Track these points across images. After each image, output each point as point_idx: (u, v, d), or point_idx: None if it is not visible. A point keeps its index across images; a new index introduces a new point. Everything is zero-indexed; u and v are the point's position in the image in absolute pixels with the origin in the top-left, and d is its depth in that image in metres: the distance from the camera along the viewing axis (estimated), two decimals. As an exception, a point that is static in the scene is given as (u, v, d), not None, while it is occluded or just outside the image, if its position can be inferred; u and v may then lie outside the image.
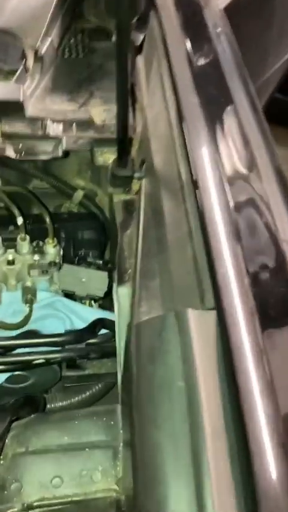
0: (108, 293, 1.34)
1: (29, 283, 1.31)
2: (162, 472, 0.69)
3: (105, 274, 1.29)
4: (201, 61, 1.13)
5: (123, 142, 1.13)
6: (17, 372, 1.24)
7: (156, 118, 1.20)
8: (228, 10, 1.42)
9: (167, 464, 0.69)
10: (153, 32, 1.27)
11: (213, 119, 0.97)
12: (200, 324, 0.77)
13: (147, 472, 0.71)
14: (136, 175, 1.17)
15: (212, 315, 0.77)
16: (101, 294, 1.30)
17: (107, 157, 1.29)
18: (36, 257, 1.32)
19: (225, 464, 0.67)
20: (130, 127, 1.24)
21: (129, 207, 1.21)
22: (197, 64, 1.11)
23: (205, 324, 0.78)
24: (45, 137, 1.26)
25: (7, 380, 1.24)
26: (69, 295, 1.35)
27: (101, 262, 1.39)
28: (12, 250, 1.32)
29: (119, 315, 1.12)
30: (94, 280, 1.28)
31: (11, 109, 1.23)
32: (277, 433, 0.65)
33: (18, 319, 1.26)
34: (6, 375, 1.21)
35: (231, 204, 0.84)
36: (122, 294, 1.11)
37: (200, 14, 1.28)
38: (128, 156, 1.16)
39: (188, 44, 1.15)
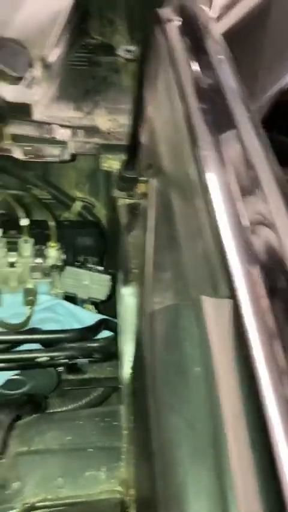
0: (109, 298, 1.34)
1: (30, 285, 1.30)
2: (181, 454, 0.68)
3: (107, 277, 1.30)
4: (206, 85, 1.18)
5: (133, 146, 1.16)
6: (13, 376, 1.21)
7: (165, 127, 1.24)
8: (225, 36, 1.49)
9: (185, 446, 0.68)
10: (159, 48, 1.33)
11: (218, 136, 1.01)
12: (214, 311, 0.79)
13: (165, 455, 0.70)
14: (142, 178, 1.20)
15: (226, 302, 0.79)
16: (103, 296, 1.30)
17: (112, 163, 1.32)
18: (39, 260, 1.32)
19: (245, 446, 0.67)
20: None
21: (134, 210, 1.23)
22: (202, 87, 1.16)
23: (219, 311, 0.79)
24: (53, 141, 1.29)
25: (3, 386, 1.21)
26: (71, 298, 1.34)
27: (101, 268, 1.39)
28: (14, 253, 1.32)
29: (123, 315, 1.12)
30: (96, 283, 1.28)
31: (20, 111, 1.26)
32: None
33: (18, 321, 1.25)
34: (7, 375, 1.18)
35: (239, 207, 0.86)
36: (127, 294, 1.12)
37: (202, 36, 1.35)
38: (135, 160, 1.19)
39: (195, 67, 1.20)
